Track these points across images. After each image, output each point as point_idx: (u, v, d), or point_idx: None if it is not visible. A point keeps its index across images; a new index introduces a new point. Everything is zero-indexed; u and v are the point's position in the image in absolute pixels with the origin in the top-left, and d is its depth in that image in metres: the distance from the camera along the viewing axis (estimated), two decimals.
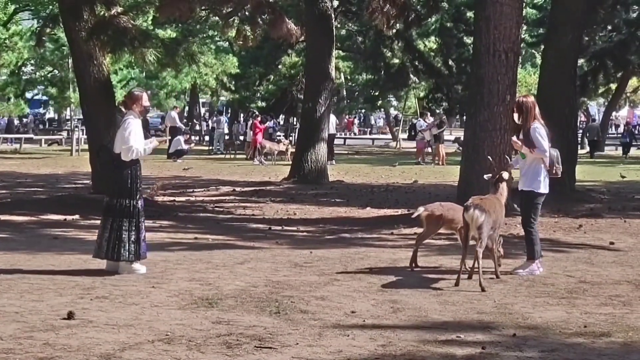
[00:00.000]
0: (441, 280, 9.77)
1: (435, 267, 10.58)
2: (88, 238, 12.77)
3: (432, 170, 30.59)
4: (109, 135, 17.23)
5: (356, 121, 79.91)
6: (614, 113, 63.87)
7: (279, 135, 43.92)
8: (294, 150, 29.16)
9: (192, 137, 45.97)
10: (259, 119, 37.46)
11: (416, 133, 36.78)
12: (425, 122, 37.02)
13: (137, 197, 10.13)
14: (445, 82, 42.04)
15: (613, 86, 47.75)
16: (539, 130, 10.32)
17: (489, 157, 10.64)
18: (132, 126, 10.07)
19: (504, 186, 10.33)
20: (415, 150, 37.28)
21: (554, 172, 10.46)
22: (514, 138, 10.73)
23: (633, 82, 54.54)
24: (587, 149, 42.14)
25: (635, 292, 9.22)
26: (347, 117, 71.61)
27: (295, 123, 47.69)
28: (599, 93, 49.64)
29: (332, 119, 38.41)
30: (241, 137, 41.53)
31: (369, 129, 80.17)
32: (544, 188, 10.38)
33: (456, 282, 9.47)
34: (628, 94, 61.21)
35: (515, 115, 10.53)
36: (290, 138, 41.75)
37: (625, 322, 7.79)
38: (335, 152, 35.99)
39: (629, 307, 8.48)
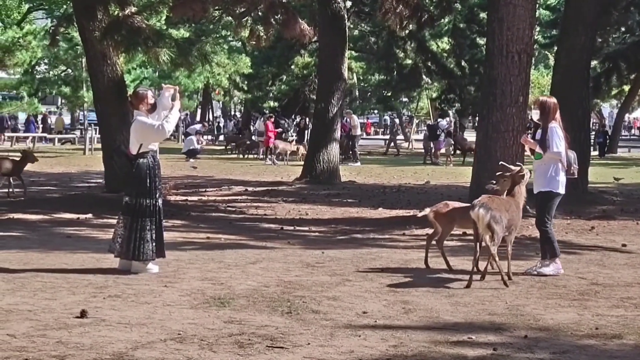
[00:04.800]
0: (453, 281, 9.77)
1: (444, 268, 10.56)
2: (101, 237, 12.83)
3: (444, 171, 30.57)
4: (122, 135, 17.32)
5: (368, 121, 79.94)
6: (626, 115, 63.69)
7: (292, 136, 43.96)
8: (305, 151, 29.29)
9: (204, 137, 46.06)
10: (272, 119, 37.54)
11: (439, 134, 36.79)
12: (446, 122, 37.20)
13: (157, 195, 10.16)
14: (457, 83, 42.06)
15: (626, 88, 47.65)
16: (557, 130, 10.36)
17: (502, 163, 10.66)
18: (145, 119, 10.10)
19: (521, 188, 10.32)
20: (427, 151, 37.30)
21: (571, 172, 10.54)
22: (526, 137, 10.75)
23: None
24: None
25: None
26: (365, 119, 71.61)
27: (307, 123, 47.72)
28: (612, 95, 49.56)
29: (356, 120, 38.51)
30: (253, 137, 41.54)
31: (382, 130, 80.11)
32: (561, 188, 10.44)
33: (467, 284, 9.47)
34: None
35: (536, 114, 10.54)
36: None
37: (637, 324, 7.78)
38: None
39: None
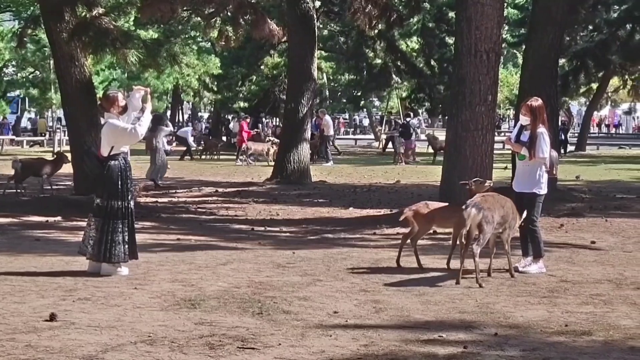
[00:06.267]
0: (424, 280, 9.79)
1: (415, 267, 10.59)
2: (70, 239, 12.75)
3: (414, 170, 30.64)
4: (91, 137, 17.26)
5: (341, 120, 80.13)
6: (595, 112, 64.15)
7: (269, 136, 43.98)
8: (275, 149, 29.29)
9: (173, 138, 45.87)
10: (248, 120, 37.53)
11: (410, 133, 36.97)
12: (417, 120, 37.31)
13: (129, 198, 10.12)
14: (427, 82, 42.15)
15: (594, 86, 47.96)
16: (545, 136, 10.51)
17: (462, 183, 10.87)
18: (117, 122, 10.06)
19: None
20: (394, 150, 37.39)
21: (553, 173, 10.75)
22: (509, 139, 10.81)
23: (614, 81, 54.77)
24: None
25: (616, 291, 9.27)
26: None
27: (277, 123, 47.76)
28: (580, 93, 49.85)
29: (329, 120, 38.57)
30: (224, 138, 41.53)
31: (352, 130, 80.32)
32: (545, 189, 10.64)
33: (457, 281, 9.55)
34: (609, 94, 61.49)
35: (525, 120, 10.59)
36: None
37: (606, 321, 7.83)
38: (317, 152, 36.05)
39: (610, 306, 8.53)
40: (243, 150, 34.78)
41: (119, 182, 10.01)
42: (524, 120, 10.66)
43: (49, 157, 23.99)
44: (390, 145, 40.68)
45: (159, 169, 24.00)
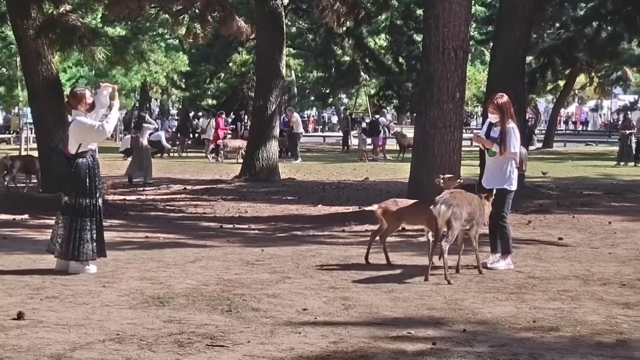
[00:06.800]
0: (393, 277, 9.82)
1: (384, 264, 10.61)
2: (37, 238, 12.67)
3: (383, 168, 30.71)
4: (58, 134, 17.15)
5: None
6: (562, 109, 64.54)
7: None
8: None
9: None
10: (223, 116, 37.47)
11: (379, 130, 37.03)
12: (385, 118, 37.39)
13: (97, 195, 10.07)
14: (395, 80, 42.19)
15: (561, 83, 48.26)
16: (515, 131, 10.58)
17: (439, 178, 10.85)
18: (85, 119, 10.00)
19: None
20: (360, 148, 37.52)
21: (523, 169, 10.83)
22: (479, 135, 10.84)
23: (581, 79, 55.12)
24: None
25: (583, 287, 9.34)
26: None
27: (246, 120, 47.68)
28: (548, 90, 50.16)
29: (297, 117, 38.59)
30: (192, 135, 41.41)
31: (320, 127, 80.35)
32: (515, 185, 10.71)
33: (425, 277, 9.57)
34: (576, 91, 61.88)
35: (495, 117, 10.63)
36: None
37: (573, 317, 7.89)
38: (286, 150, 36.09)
39: (577, 301, 8.59)
40: (220, 147, 34.82)
41: (87, 180, 9.95)
42: (493, 118, 10.70)
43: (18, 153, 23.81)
44: (356, 142, 40.94)
45: (146, 167, 24.04)
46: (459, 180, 10.95)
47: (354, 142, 45.44)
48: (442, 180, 10.66)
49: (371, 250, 10.79)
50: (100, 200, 10.12)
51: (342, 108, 66.33)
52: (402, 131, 40.89)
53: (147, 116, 28.08)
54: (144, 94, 56.78)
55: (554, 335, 7.23)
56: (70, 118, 10.60)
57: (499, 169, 10.62)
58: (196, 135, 48.21)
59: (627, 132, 33.76)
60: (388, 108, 46.90)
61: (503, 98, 10.74)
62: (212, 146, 36.82)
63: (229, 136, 39.58)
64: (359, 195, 19.90)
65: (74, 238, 9.85)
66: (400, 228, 11.53)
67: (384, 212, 10.74)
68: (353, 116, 54.54)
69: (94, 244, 9.95)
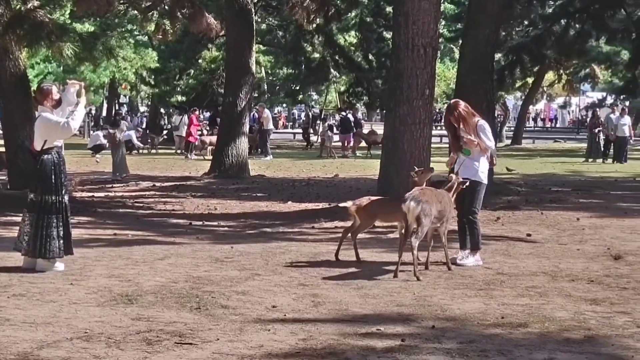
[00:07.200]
0: (362, 274, 9.82)
1: (354, 261, 10.61)
2: (4, 235, 12.56)
3: (352, 164, 30.74)
4: (25, 131, 16.99)
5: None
6: (531, 106, 64.92)
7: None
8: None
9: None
10: (197, 113, 37.40)
11: (351, 127, 37.17)
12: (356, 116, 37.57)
13: (63, 192, 9.99)
14: (365, 77, 42.31)
15: (530, 80, 48.53)
16: (486, 125, 10.66)
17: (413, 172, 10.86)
18: (50, 116, 9.92)
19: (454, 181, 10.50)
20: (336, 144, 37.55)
21: (494, 162, 10.90)
22: (469, 137, 10.74)
23: (549, 76, 55.50)
24: None
25: (552, 283, 9.39)
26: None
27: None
28: (516, 87, 50.42)
29: (268, 114, 38.56)
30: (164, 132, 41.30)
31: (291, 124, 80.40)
32: (486, 178, 10.73)
33: (394, 274, 9.58)
34: (545, 88, 62.28)
35: (463, 130, 10.62)
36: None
37: (541, 313, 7.92)
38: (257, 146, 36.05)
39: (545, 298, 8.63)
40: (197, 145, 34.80)
41: (53, 177, 9.88)
42: (461, 131, 10.69)
43: None
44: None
45: (119, 163, 24.05)
46: (433, 173, 10.91)
47: (313, 138, 45.68)
48: (415, 174, 10.66)
49: (343, 247, 10.79)
50: (66, 197, 10.05)
51: (302, 106, 66.49)
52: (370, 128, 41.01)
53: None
54: (113, 90, 56.52)
55: (522, 332, 7.26)
56: (36, 114, 10.51)
57: (471, 163, 10.61)
58: (165, 131, 48.00)
59: (596, 130, 34.03)
60: (358, 105, 46.91)
61: (457, 103, 10.78)
62: (187, 143, 36.73)
63: (206, 132, 39.52)
64: (329, 192, 19.90)
65: (41, 235, 9.78)
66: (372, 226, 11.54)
67: (357, 210, 10.73)
68: (324, 114, 54.69)
69: (61, 241, 9.87)
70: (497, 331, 7.26)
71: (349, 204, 10.93)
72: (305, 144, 45.81)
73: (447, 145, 13.68)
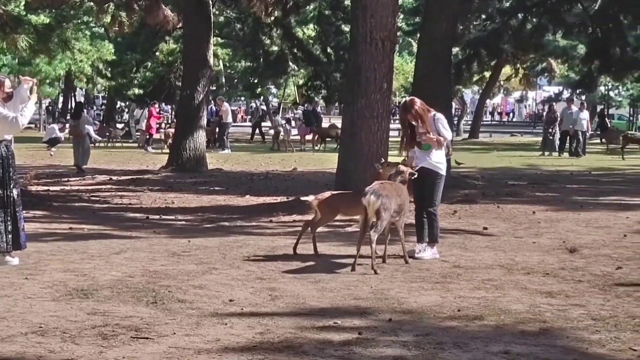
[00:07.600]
0: (320, 268, 9.82)
1: (311, 254, 10.61)
2: None
3: (311, 158, 30.74)
4: None
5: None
6: (488, 100, 65.30)
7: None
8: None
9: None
10: (156, 106, 37.23)
11: (313, 121, 37.26)
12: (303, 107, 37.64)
13: (12, 186, 9.87)
14: (323, 70, 42.34)
15: (487, 74, 48.82)
16: (442, 118, 10.69)
17: (378, 164, 10.85)
18: (0, 109, 9.79)
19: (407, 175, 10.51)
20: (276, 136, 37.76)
21: (450, 153, 10.95)
22: (430, 136, 10.73)
23: (506, 70, 55.83)
24: None
25: (507, 276, 9.44)
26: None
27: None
28: (474, 81, 50.69)
29: (227, 107, 38.48)
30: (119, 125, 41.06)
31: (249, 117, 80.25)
32: (444, 170, 10.77)
33: (352, 267, 9.57)
34: (502, 82, 62.66)
35: (422, 126, 10.63)
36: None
37: (497, 306, 7.97)
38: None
39: (501, 290, 8.68)
40: (162, 138, 34.75)
41: (1, 171, 9.75)
42: (420, 127, 10.71)
43: None
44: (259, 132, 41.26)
45: (83, 154, 23.95)
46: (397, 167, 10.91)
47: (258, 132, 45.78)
48: (380, 166, 10.68)
49: (301, 241, 10.78)
50: (15, 192, 9.92)
51: (253, 100, 66.45)
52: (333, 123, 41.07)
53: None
54: (69, 82, 56.03)
55: (478, 324, 7.29)
56: None
57: (429, 156, 10.63)
58: (122, 125, 47.75)
59: (552, 126, 34.36)
60: (317, 98, 46.93)
61: (412, 101, 10.80)
62: (147, 136, 36.59)
63: (166, 125, 39.39)
64: (287, 185, 19.89)
65: None
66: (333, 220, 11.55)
67: (319, 204, 10.73)
68: (282, 107, 54.67)
69: (9, 236, 9.75)
70: (453, 324, 7.29)
71: (310, 198, 10.92)
72: (260, 138, 45.78)
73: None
